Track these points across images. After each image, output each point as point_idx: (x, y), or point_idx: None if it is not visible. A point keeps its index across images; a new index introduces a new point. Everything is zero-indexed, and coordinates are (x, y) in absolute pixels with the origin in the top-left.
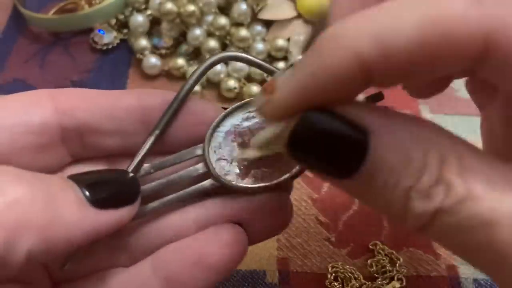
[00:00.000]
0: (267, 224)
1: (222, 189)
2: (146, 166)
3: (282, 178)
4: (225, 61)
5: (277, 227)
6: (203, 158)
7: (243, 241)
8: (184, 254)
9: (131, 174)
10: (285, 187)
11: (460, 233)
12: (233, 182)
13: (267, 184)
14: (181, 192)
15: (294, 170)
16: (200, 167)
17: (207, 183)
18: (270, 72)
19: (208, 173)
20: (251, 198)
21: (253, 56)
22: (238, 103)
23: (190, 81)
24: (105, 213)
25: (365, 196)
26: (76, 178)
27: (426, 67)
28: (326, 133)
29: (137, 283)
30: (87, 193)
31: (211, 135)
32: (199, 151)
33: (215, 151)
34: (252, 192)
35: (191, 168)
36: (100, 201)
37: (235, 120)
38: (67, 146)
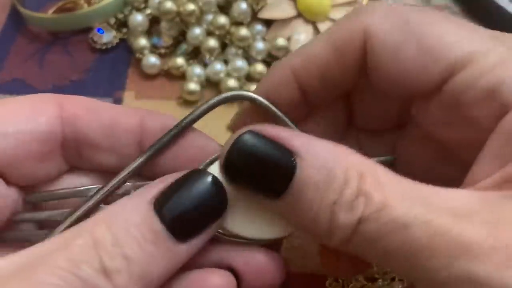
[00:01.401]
0: (259, 279)
1: None
2: (127, 185)
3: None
4: (237, 100)
5: (271, 283)
6: None
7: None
8: None
9: (218, 181)
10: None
11: (381, 239)
12: None
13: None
14: None
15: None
16: None
17: None
18: (282, 121)
19: None
20: (243, 248)
21: (268, 102)
22: None
23: (197, 112)
24: (191, 242)
25: (293, 217)
26: (159, 213)
27: (336, 64)
28: (256, 154)
29: None
30: (171, 230)
31: (208, 165)
32: None
33: None
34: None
35: None
36: (184, 234)
37: None
38: (65, 154)
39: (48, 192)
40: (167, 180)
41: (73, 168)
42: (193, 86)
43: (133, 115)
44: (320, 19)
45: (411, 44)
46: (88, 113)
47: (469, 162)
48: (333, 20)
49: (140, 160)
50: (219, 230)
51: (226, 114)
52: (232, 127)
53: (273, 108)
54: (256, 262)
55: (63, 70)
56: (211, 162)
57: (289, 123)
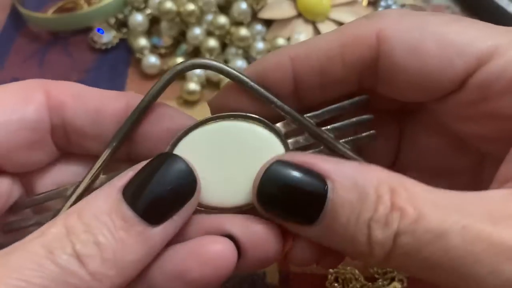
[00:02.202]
0: (258, 248)
1: None
2: (102, 177)
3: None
4: (193, 69)
5: (266, 258)
6: None
7: (230, 256)
8: (165, 266)
9: (184, 161)
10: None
11: (420, 250)
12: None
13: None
14: None
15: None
16: None
17: None
18: (239, 80)
19: None
20: (242, 217)
21: (222, 64)
22: (209, 117)
23: (152, 92)
24: (165, 225)
25: (331, 239)
26: (129, 200)
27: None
28: (288, 182)
29: None
30: (141, 215)
31: (176, 142)
32: None
33: None
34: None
35: None
36: (156, 218)
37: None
38: (55, 141)
39: (29, 199)
40: (136, 168)
41: (66, 153)
42: (193, 86)
43: (119, 99)
44: (320, 19)
45: (431, 41)
46: (74, 100)
47: (489, 154)
48: (333, 20)
49: (107, 152)
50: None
51: None
52: (212, 104)
53: (236, 72)
54: (256, 230)
55: (63, 70)
56: (178, 140)
57: (267, 94)
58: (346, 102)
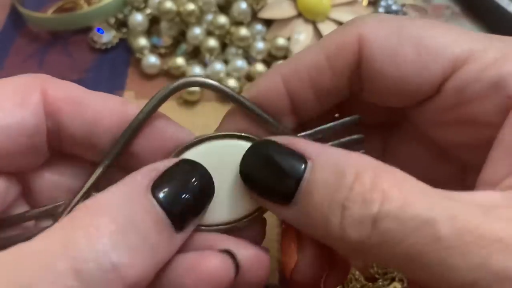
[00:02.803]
0: (255, 268)
1: None
2: (94, 195)
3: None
4: (188, 87)
5: (260, 280)
6: None
7: (228, 273)
8: (164, 279)
9: (205, 168)
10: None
11: (404, 238)
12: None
13: (228, 224)
14: None
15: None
16: None
17: None
18: (233, 98)
19: None
20: (238, 236)
21: (216, 82)
22: (209, 135)
23: (146, 109)
24: (186, 230)
25: (306, 221)
26: (161, 201)
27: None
28: (269, 157)
29: None
30: (172, 220)
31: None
32: None
33: None
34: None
35: None
36: (181, 222)
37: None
38: (49, 143)
39: (16, 215)
40: (157, 168)
41: (58, 155)
42: None
43: (117, 111)
44: (320, 19)
45: (408, 47)
46: (72, 107)
47: (469, 161)
48: (333, 20)
49: (100, 170)
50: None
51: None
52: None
53: (231, 92)
54: (254, 249)
55: (63, 70)
56: (185, 149)
57: (261, 112)
58: (338, 122)
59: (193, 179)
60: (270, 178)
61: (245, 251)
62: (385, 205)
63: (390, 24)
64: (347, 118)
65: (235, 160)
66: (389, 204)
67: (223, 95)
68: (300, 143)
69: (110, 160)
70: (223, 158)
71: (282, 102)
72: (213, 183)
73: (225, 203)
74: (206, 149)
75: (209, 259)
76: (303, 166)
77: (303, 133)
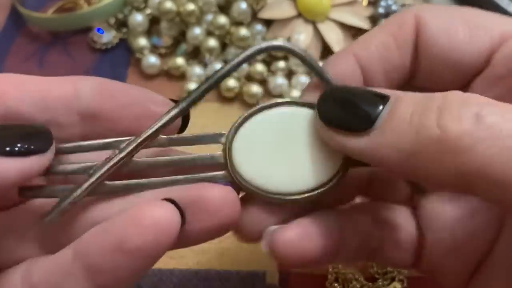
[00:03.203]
0: (207, 217)
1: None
2: (161, 138)
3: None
4: (273, 50)
5: (221, 223)
6: (224, 148)
7: (173, 221)
8: (103, 239)
9: (43, 126)
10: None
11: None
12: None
13: (298, 196)
14: (187, 177)
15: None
16: (217, 155)
17: (219, 175)
18: (316, 71)
19: (224, 165)
20: (189, 185)
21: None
22: (272, 102)
23: (233, 63)
24: (12, 160)
25: (386, 143)
26: None
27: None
28: (351, 91)
29: (60, 273)
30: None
31: (240, 125)
32: (222, 139)
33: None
34: (272, 200)
35: (206, 154)
36: (7, 150)
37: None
38: None
39: (76, 144)
40: None
41: None
42: (193, 86)
43: (65, 83)
44: (320, 19)
45: (459, 22)
46: (16, 88)
47: None
48: (333, 20)
49: (174, 111)
50: (263, 193)
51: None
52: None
53: (314, 62)
54: (201, 194)
55: (63, 70)
56: (240, 125)
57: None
58: None
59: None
60: (351, 102)
61: (191, 195)
62: (486, 107)
63: (442, 7)
64: None
65: (302, 126)
66: (489, 106)
67: (306, 65)
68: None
69: (187, 103)
70: (289, 126)
71: (356, 77)
72: (49, 136)
73: (304, 169)
74: (270, 117)
75: (149, 211)
76: (385, 98)
77: None
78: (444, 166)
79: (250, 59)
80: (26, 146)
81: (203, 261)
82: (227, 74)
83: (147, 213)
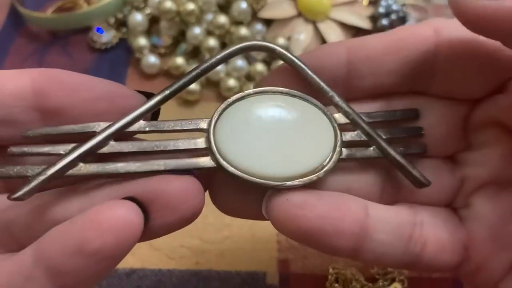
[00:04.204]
0: (170, 212)
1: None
2: (142, 122)
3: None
4: (256, 50)
5: (184, 216)
6: (207, 134)
7: (135, 221)
8: (64, 241)
9: None
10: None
11: None
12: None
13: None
14: (167, 162)
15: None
16: (199, 141)
17: (205, 160)
18: (294, 65)
19: (207, 150)
20: (149, 178)
21: (277, 46)
22: (257, 89)
23: (212, 60)
24: None
25: None
26: None
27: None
28: None
29: (21, 274)
30: None
31: (223, 110)
32: (203, 125)
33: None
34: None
35: (189, 139)
36: None
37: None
38: None
39: (52, 127)
40: None
41: None
42: (193, 86)
43: (21, 76)
44: (320, 18)
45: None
46: None
47: None
48: (333, 20)
49: (157, 98)
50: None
51: None
52: (260, 83)
53: (299, 62)
54: (163, 188)
55: None
56: (224, 110)
57: (321, 84)
58: (397, 110)
59: None
60: None
61: (152, 191)
62: None
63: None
64: (406, 109)
65: (288, 113)
66: None
67: (283, 60)
68: None
69: (170, 91)
70: (273, 111)
71: (340, 68)
72: None
73: (285, 157)
74: (254, 103)
75: (109, 212)
76: None
77: (361, 111)
78: None
79: (230, 58)
80: None
81: (203, 261)
82: (211, 68)
83: (107, 214)
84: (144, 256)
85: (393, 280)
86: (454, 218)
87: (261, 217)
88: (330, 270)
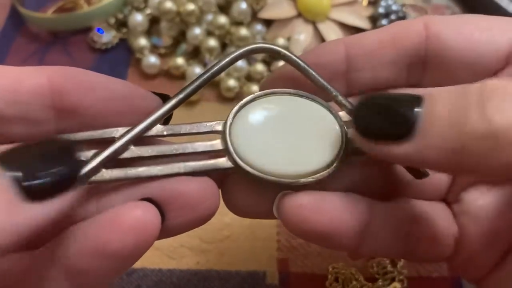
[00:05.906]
0: (188, 212)
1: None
2: (159, 127)
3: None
4: (261, 52)
5: (201, 216)
6: (222, 135)
7: (152, 223)
8: (83, 241)
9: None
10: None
11: None
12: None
13: (304, 180)
14: (187, 165)
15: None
16: (216, 143)
17: (223, 161)
18: (297, 65)
19: (224, 151)
20: (167, 179)
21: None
22: (267, 91)
23: (221, 63)
24: (41, 206)
25: (430, 145)
26: (5, 160)
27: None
28: (382, 100)
29: (37, 274)
30: (19, 183)
31: (237, 112)
32: (218, 127)
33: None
34: (274, 184)
35: (206, 142)
36: (34, 191)
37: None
38: None
39: (71, 134)
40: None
41: None
42: None
43: (38, 74)
44: (320, 19)
45: (473, 24)
46: None
47: None
48: (333, 20)
49: (172, 102)
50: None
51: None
52: (264, 85)
53: (303, 64)
54: (177, 187)
55: None
56: (238, 111)
57: (325, 84)
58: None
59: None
60: (388, 113)
61: (168, 191)
62: None
63: (451, 16)
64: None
65: (298, 114)
66: None
67: (285, 61)
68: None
69: (185, 95)
70: (287, 112)
71: (339, 63)
72: (74, 159)
73: (294, 155)
74: (266, 103)
75: (128, 213)
76: (420, 99)
77: None
78: (493, 159)
79: (238, 60)
80: (58, 182)
81: (203, 261)
82: (221, 71)
83: (127, 216)
84: (144, 256)
85: (392, 280)
86: (447, 212)
87: (272, 217)
88: (330, 270)
